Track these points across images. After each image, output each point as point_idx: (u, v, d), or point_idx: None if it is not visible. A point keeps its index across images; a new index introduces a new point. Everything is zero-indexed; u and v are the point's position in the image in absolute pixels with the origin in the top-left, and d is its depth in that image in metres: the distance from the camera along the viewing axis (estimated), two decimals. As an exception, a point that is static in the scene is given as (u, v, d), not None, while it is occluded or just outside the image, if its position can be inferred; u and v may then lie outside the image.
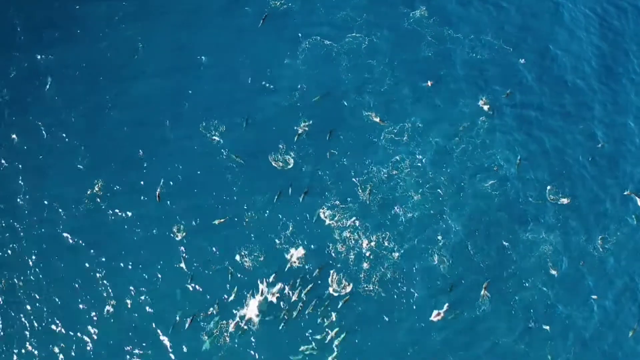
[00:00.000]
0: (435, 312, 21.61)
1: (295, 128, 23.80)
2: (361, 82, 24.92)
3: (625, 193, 24.13)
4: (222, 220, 22.15)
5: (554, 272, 22.67)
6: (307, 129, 23.80)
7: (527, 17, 27.38)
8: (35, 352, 20.38)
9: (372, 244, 22.29)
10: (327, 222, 22.50)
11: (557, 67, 26.51)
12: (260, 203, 22.65)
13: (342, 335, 20.95)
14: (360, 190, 23.06)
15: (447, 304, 21.71)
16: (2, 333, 20.54)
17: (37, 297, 20.91)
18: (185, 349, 20.63)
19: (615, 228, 23.73)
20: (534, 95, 25.77)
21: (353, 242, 22.29)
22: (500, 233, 23.12)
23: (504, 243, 22.95)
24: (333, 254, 22.10)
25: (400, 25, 26.24)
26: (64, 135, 23.12)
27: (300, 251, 21.95)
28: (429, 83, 24.14)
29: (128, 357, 20.50)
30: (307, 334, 20.98)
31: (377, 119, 24.17)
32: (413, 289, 21.92)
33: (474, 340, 21.61)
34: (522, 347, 21.62)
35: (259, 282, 21.51)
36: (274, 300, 21.25)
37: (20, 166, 22.58)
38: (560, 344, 21.83)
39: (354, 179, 23.22)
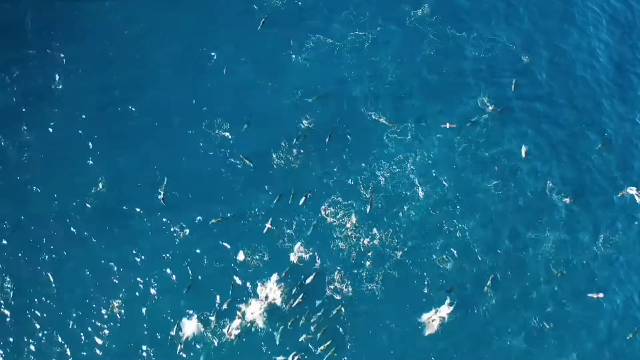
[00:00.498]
0: (439, 310, 21.55)
1: (297, 126, 23.79)
2: (364, 80, 24.87)
3: (619, 195, 24.00)
4: (218, 219, 22.15)
5: (558, 270, 22.58)
6: (310, 126, 23.78)
7: (532, 14, 27.28)
8: (43, 349, 20.46)
9: (375, 242, 22.27)
10: (329, 220, 22.48)
11: (564, 64, 26.42)
12: (263, 202, 22.65)
13: (342, 332, 21.04)
14: (362, 189, 23.03)
15: (450, 303, 21.67)
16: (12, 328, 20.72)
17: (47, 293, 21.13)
18: (188, 347, 20.72)
19: (620, 226, 23.65)
20: (539, 94, 25.69)
21: (355, 240, 22.27)
22: (504, 232, 23.07)
23: (508, 242, 22.87)
24: (335, 253, 22.08)
25: (403, 23, 26.18)
26: (72, 130, 23.25)
27: (303, 250, 21.94)
28: (448, 125, 23.85)
29: (131, 354, 20.58)
30: (307, 336, 21.05)
31: (382, 119, 24.12)
32: (416, 287, 21.89)
33: (478, 339, 21.59)
34: (525, 347, 21.54)
35: (261, 281, 21.52)
36: (276, 299, 21.25)
37: (27, 160, 22.71)
38: (564, 344, 21.74)
39: (356, 178, 23.18)
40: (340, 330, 21.16)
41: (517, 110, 25.18)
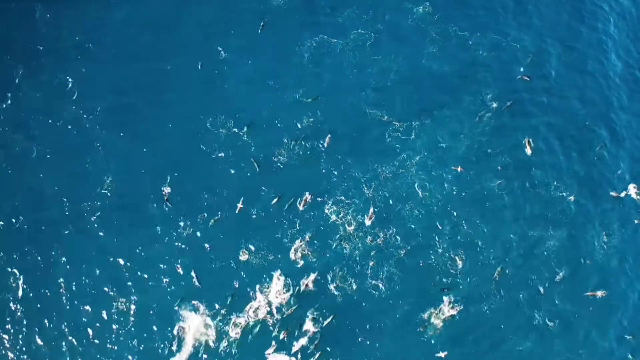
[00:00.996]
0: (442, 309, 21.68)
1: (301, 125, 23.75)
2: (367, 79, 24.87)
3: (622, 194, 24.26)
4: (217, 218, 22.17)
5: (560, 268, 22.76)
6: (312, 125, 23.76)
7: (537, 11, 27.34)
8: (53, 344, 20.48)
9: (379, 240, 22.32)
10: (333, 218, 22.52)
11: (570, 62, 26.54)
12: (265, 201, 22.64)
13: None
14: (365, 188, 23.06)
15: (452, 302, 21.79)
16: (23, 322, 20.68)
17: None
18: (190, 347, 20.76)
19: (625, 224, 23.87)
20: (539, 93, 25.77)
21: (358, 239, 22.32)
22: (508, 230, 23.19)
23: (512, 240, 22.99)
24: (339, 251, 22.12)
25: (404, 21, 26.17)
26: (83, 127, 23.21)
27: (306, 248, 21.97)
28: (460, 168, 23.71)
29: (134, 352, 20.60)
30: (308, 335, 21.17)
31: (385, 118, 24.12)
32: (419, 286, 21.99)
33: (480, 337, 21.74)
34: (528, 345, 21.73)
35: (264, 280, 21.55)
36: (279, 297, 21.28)
37: (37, 156, 22.64)
38: (566, 342, 21.98)
39: (359, 177, 23.20)
40: (342, 328, 21.24)
41: (520, 107, 25.31)
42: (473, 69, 25.68)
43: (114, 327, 20.75)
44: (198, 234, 21.99)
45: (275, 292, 21.39)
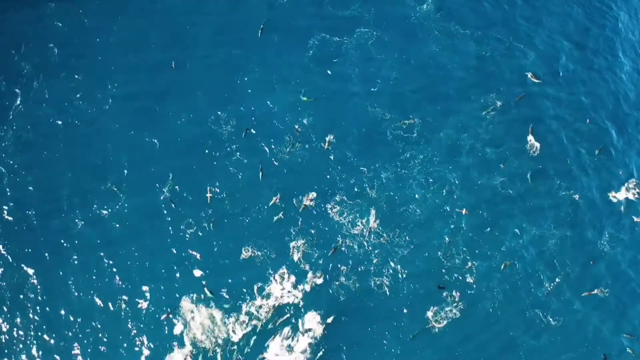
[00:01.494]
0: (445, 307, 21.68)
1: (300, 123, 23.79)
2: (369, 78, 24.87)
3: (610, 194, 24.22)
4: (209, 195, 22.32)
5: (564, 267, 22.71)
6: (314, 125, 23.79)
7: (539, 10, 27.28)
8: (67, 345, 20.52)
9: (382, 240, 22.32)
10: (336, 218, 22.53)
11: (570, 62, 26.45)
12: (267, 200, 22.70)
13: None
14: (368, 188, 23.06)
15: (458, 300, 21.78)
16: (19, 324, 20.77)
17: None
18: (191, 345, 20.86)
19: (624, 224, 23.77)
20: (544, 92, 25.72)
21: (361, 238, 22.33)
22: (510, 228, 23.19)
23: (513, 238, 22.97)
24: (342, 250, 22.13)
25: (407, 19, 26.17)
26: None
27: (309, 247, 22.01)
28: (464, 211, 23.25)
29: (138, 349, 20.71)
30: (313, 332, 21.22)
31: (388, 116, 24.12)
32: (422, 285, 21.99)
33: (485, 335, 21.75)
34: (532, 343, 21.69)
35: (267, 278, 21.58)
36: (282, 296, 21.33)
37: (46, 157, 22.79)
38: (570, 341, 21.96)
39: (362, 177, 23.20)
40: (346, 327, 21.25)
41: (527, 105, 25.32)
42: (476, 67, 25.64)
43: (122, 319, 20.85)
44: (200, 233, 22.03)
45: (279, 290, 21.42)
